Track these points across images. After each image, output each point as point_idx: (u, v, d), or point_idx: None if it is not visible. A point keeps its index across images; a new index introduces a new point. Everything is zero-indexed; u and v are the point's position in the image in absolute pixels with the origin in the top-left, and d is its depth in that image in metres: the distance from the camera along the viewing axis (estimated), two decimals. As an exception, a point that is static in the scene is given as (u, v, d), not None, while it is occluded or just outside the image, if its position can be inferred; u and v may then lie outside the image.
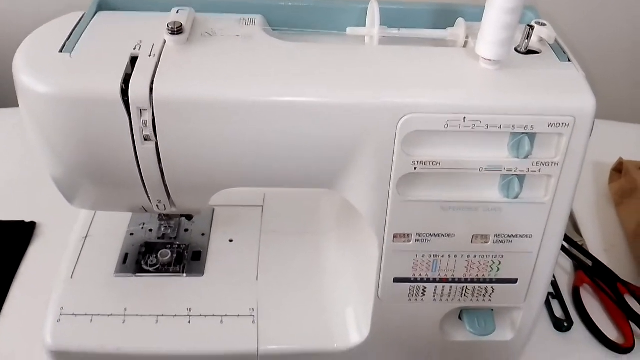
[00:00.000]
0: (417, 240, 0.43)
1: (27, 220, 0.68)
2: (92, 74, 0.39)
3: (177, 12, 0.42)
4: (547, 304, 0.63)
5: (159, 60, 0.39)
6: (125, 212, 0.58)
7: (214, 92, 0.38)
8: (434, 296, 0.46)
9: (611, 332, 0.61)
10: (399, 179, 0.41)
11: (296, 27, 0.44)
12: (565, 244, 0.67)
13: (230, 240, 0.58)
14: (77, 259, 0.55)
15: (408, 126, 0.39)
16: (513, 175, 0.41)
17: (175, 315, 0.51)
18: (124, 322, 0.50)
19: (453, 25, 0.44)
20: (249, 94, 0.38)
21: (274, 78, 0.39)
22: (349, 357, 0.50)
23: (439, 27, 0.44)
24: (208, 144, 0.39)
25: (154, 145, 0.39)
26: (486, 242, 0.43)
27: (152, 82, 0.37)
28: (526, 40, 0.41)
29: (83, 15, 0.43)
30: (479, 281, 0.46)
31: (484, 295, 0.46)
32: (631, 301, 0.63)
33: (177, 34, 0.40)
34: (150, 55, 0.39)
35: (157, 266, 0.54)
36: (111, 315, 0.50)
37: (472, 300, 0.47)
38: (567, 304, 0.63)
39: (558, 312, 0.62)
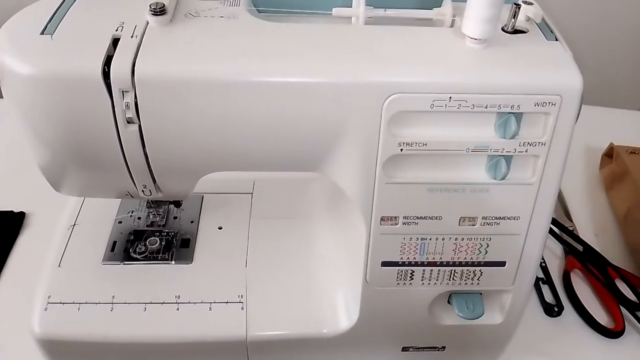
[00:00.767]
0: (404, 223, 0.43)
1: (17, 210, 0.68)
2: (73, 56, 0.38)
3: (160, -7, 0.41)
4: (538, 289, 0.63)
5: (141, 41, 0.38)
6: (113, 201, 0.58)
7: (197, 72, 0.37)
8: (422, 280, 0.46)
9: (601, 316, 0.61)
10: (385, 160, 0.40)
11: (281, 7, 0.44)
12: (556, 229, 0.67)
13: (220, 228, 0.57)
14: (64, 247, 0.54)
15: (394, 106, 0.38)
16: (500, 156, 0.40)
17: (164, 303, 0.50)
18: (111, 310, 0.50)
19: (440, 5, 0.44)
20: (233, 74, 0.38)
21: (259, 58, 0.38)
22: (339, 342, 0.50)
23: (426, 7, 0.44)
24: (192, 126, 0.39)
25: (137, 128, 0.39)
26: (474, 225, 0.43)
27: (134, 63, 0.37)
28: (513, 19, 0.41)
29: (65, -3, 0.43)
30: (467, 264, 0.45)
31: (472, 279, 0.46)
32: (622, 285, 0.63)
33: (160, 14, 0.39)
34: (132, 36, 0.38)
35: (146, 254, 0.54)
36: (99, 303, 0.50)
37: (460, 283, 0.46)
38: (557, 289, 0.63)
39: (548, 297, 0.62)
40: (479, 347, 0.52)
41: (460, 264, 0.45)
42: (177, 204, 0.56)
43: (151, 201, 0.56)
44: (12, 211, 0.67)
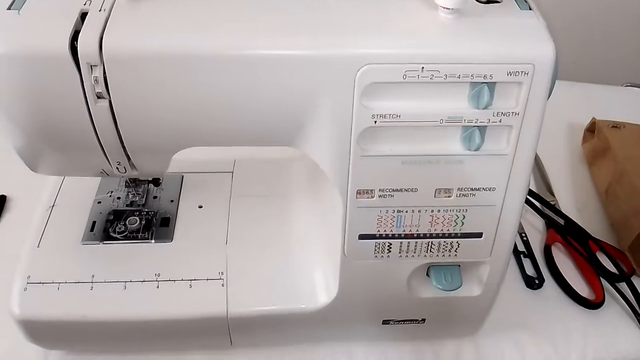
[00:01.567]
0: (380, 196, 0.43)
1: (-3, 193, 0.67)
2: (41, 31, 0.37)
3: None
4: (519, 262, 0.63)
5: (109, 15, 0.38)
6: (93, 181, 0.58)
7: (165, 45, 0.37)
8: (399, 252, 0.46)
9: (582, 288, 0.62)
10: (359, 133, 0.40)
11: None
12: (538, 204, 0.67)
13: (200, 206, 0.57)
14: (43, 228, 0.54)
15: (366, 78, 0.38)
16: (474, 126, 0.40)
17: (144, 281, 0.50)
18: (91, 289, 0.50)
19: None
20: (201, 47, 0.37)
21: (228, 31, 0.38)
22: (319, 317, 0.50)
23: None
24: (162, 100, 0.39)
25: (108, 104, 0.39)
26: (449, 196, 0.43)
27: (101, 37, 0.36)
28: (486, -11, 0.40)
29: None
30: (444, 236, 0.45)
31: (449, 251, 0.46)
32: (602, 258, 0.63)
33: (128, -13, 0.39)
34: (100, 10, 0.38)
35: (125, 233, 0.54)
36: (78, 282, 0.50)
37: (438, 255, 0.47)
38: (538, 262, 0.63)
39: (530, 271, 0.63)
40: (459, 319, 0.53)
41: (437, 236, 0.45)
42: (156, 182, 0.56)
43: (130, 181, 0.56)
44: (-8, 195, 0.67)
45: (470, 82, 0.39)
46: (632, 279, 0.61)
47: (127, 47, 0.37)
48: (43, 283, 0.50)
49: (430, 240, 0.46)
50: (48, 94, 0.39)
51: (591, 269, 0.63)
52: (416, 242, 0.46)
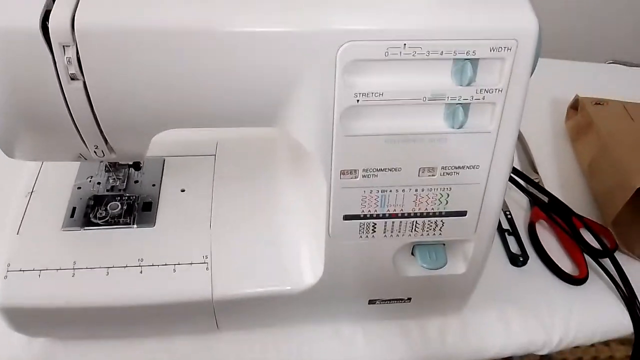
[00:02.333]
0: (364, 176, 0.43)
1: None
2: (10, 11, 0.36)
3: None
4: (504, 240, 0.63)
5: (81, -7, 0.36)
6: (72, 166, 0.57)
7: (140, 22, 0.36)
8: (384, 232, 0.46)
9: (566, 264, 0.62)
10: (342, 112, 0.40)
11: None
12: (522, 182, 0.67)
13: (182, 190, 0.56)
14: (22, 215, 0.53)
15: (347, 55, 0.37)
16: (457, 104, 0.40)
17: (127, 266, 0.50)
18: (73, 276, 0.49)
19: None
20: (178, 23, 0.36)
21: (206, 6, 0.37)
22: (305, 298, 0.50)
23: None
24: (138, 80, 0.38)
25: (82, 85, 0.37)
26: (433, 175, 0.43)
27: (73, 15, 0.35)
28: (467, -37, 0.40)
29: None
30: (428, 215, 0.45)
31: (434, 229, 0.46)
32: (586, 234, 0.64)
33: (100, -36, 0.37)
34: (71, -12, 0.37)
35: (107, 218, 0.53)
36: (60, 269, 0.49)
37: (422, 234, 0.47)
38: (523, 239, 0.64)
39: (514, 248, 0.63)
40: (444, 297, 0.53)
41: (421, 215, 0.45)
42: (137, 166, 0.55)
43: (110, 165, 0.55)
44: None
45: (453, 59, 0.39)
46: (615, 254, 0.61)
47: (100, 26, 0.36)
48: (24, 270, 0.49)
49: (415, 219, 0.45)
50: (20, 76, 0.37)
51: (575, 246, 0.63)
52: (400, 222, 0.45)
